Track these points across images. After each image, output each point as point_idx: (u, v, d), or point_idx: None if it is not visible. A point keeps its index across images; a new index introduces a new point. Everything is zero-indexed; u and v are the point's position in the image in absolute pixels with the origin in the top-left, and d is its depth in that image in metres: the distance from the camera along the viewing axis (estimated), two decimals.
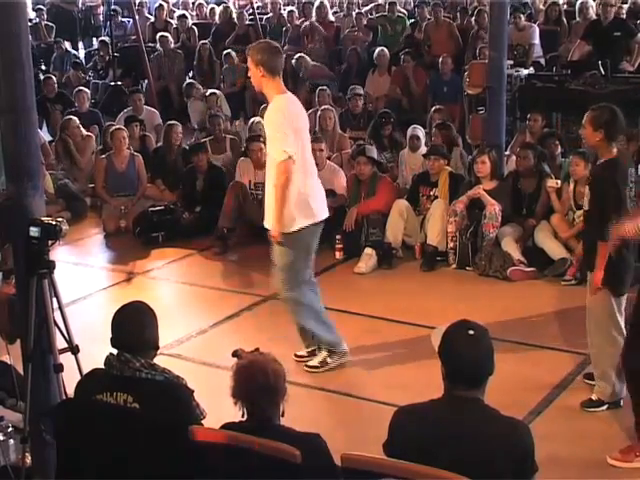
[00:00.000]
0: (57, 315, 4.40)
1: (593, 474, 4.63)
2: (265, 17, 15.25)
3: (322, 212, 5.73)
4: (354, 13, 14.70)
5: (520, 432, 3.19)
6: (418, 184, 8.25)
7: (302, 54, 12.55)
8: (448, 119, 9.61)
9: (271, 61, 5.46)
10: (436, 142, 8.62)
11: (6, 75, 4.10)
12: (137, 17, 14.07)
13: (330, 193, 8.35)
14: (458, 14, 13.91)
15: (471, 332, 3.21)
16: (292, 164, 5.40)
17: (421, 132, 8.94)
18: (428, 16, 13.09)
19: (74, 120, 10.32)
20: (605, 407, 5.24)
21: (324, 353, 5.91)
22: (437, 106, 10.01)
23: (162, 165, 9.64)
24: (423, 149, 8.73)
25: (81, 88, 11.71)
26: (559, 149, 8.25)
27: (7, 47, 4.08)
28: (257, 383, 3.42)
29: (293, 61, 12.31)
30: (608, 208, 4.95)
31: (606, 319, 5.13)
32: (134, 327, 3.77)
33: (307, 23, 13.96)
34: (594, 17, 11.03)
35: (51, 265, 4.28)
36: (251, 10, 15.16)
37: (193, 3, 17.12)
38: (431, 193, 8.09)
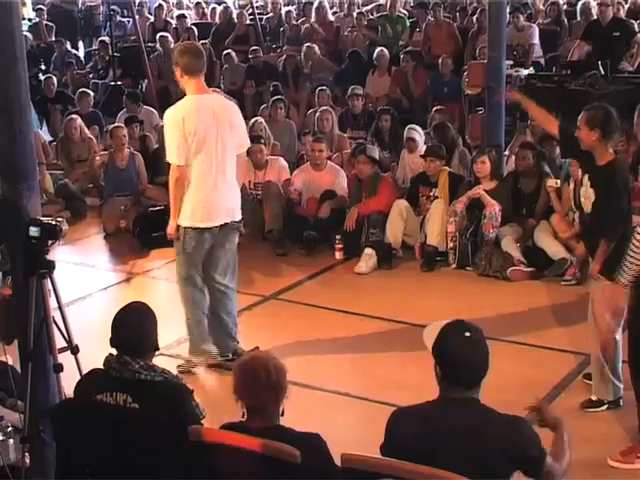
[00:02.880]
0: (57, 315, 4.40)
1: (593, 474, 4.63)
2: (265, 17, 15.25)
3: (207, 220, 5.79)
4: (354, 13, 14.70)
5: (518, 428, 3.18)
6: (417, 184, 8.25)
7: (310, 45, 12.58)
8: (449, 120, 9.61)
9: (188, 63, 5.62)
10: (434, 143, 8.60)
11: (0, 74, 4.08)
12: (137, 17, 14.07)
13: (331, 194, 8.38)
14: (457, 14, 13.90)
15: (467, 334, 3.21)
16: (183, 169, 5.65)
17: (417, 133, 8.91)
18: (430, 17, 13.06)
19: (75, 119, 10.31)
20: (605, 407, 5.23)
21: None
22: (438, 107, 10.00)
23: (158, 165, 9.63)
24: (421, 149, 8.72)
25: (85, 90, 11.71)
26: (558, 150, 8.23)
27: (1, 46, 4.05)
28: (259, 379, 3.42)
29: (301, 53, 12.38)
30: (610, 214, 4.97)
31: (607, 313, 5.12)
32: (134, 330, 3.77)
33: (306, 26, 13.96)
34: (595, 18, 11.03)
35: (51, 265, 4.28)
36: (251, 10, 15.16)
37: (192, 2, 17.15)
38: (430, 193, 8.09)
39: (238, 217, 5.96)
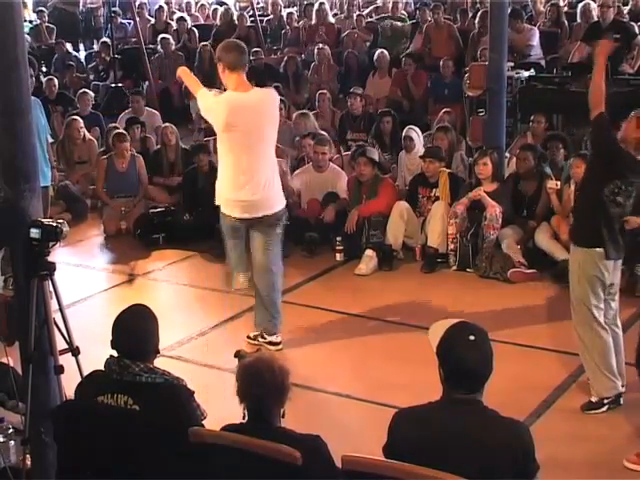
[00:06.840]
0: (58, 317, 4.40)
1: (593, 476, 4.63)
2: (266, 19, 15.27)
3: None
4: (354, 15, 14.71)
5: (520, 433, 3.20)
6: (417, 185, 8.25)
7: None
8: (454, 122, 9.60)
9: (232, 58, 5.85)
10: (435, 144, 8.59)
11: (1, 76, 4.07)
12: (137, 19, 14.09)
13: (333, 196, 8.37)
14: (458, 16, 13.91)
15: (472, 338, 3.20)
16: None
17: (415, 133, 8.92)
18: (429, 18, 13.06)
19: (78, 121, 10.30)
20: (605, 408, 5.23)
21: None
22: (446, 109, 9.96)
23: (159, 166, 9.64)
24: (419, 150, 8.72)
25: (85, 90, 11.72)
26: (562, 152, 8.20)
27: (3, 48, 4.05)
28: (264, 380, 3.42)
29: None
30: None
31: (582, 299, 5.13)
32: (135, 333, 3.76)
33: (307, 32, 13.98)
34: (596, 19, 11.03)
35: (52, 267, 4.28)
36: (252, 12, 15.17)
37: (196, 3, 17.16)
38: (430, 194, 8.09)
39: None
